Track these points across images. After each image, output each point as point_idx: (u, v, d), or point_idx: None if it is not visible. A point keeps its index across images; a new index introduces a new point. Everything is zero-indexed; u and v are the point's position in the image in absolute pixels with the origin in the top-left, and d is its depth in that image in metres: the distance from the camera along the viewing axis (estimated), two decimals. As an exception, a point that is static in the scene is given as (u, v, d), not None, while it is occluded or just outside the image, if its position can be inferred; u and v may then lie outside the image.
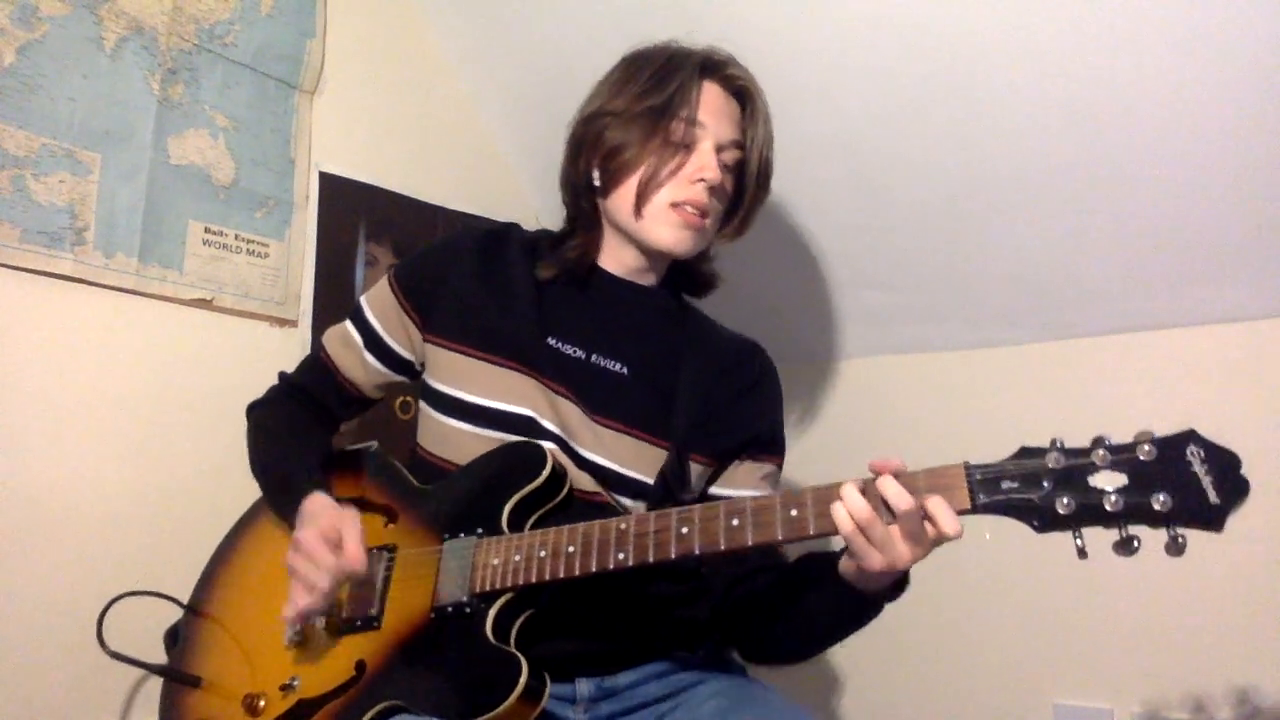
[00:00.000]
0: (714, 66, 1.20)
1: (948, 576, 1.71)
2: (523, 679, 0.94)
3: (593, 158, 1.19)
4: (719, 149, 1.17)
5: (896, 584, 0.96)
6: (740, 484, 1.22)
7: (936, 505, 0.84)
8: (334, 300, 1.74)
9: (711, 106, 1.18)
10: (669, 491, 1.15)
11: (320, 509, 1.09)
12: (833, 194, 1.72)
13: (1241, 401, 1.46)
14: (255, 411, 1.31)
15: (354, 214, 1.81)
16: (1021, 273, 1.63)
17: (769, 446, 1.25)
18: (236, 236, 1.63)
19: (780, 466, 1.27)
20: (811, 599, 1.04)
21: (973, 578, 1.71)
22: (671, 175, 1.16)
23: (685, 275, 1.29)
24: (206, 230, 1.59)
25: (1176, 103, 1.31)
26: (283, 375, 1.33)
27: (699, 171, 1.15)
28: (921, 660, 1.80)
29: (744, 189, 1.23)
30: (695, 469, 1.18)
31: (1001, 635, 1.68)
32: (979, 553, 1.65)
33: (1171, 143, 1.35)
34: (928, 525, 0.86)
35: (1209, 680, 1.45)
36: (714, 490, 1.22)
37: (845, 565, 0.95)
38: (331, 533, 1.04)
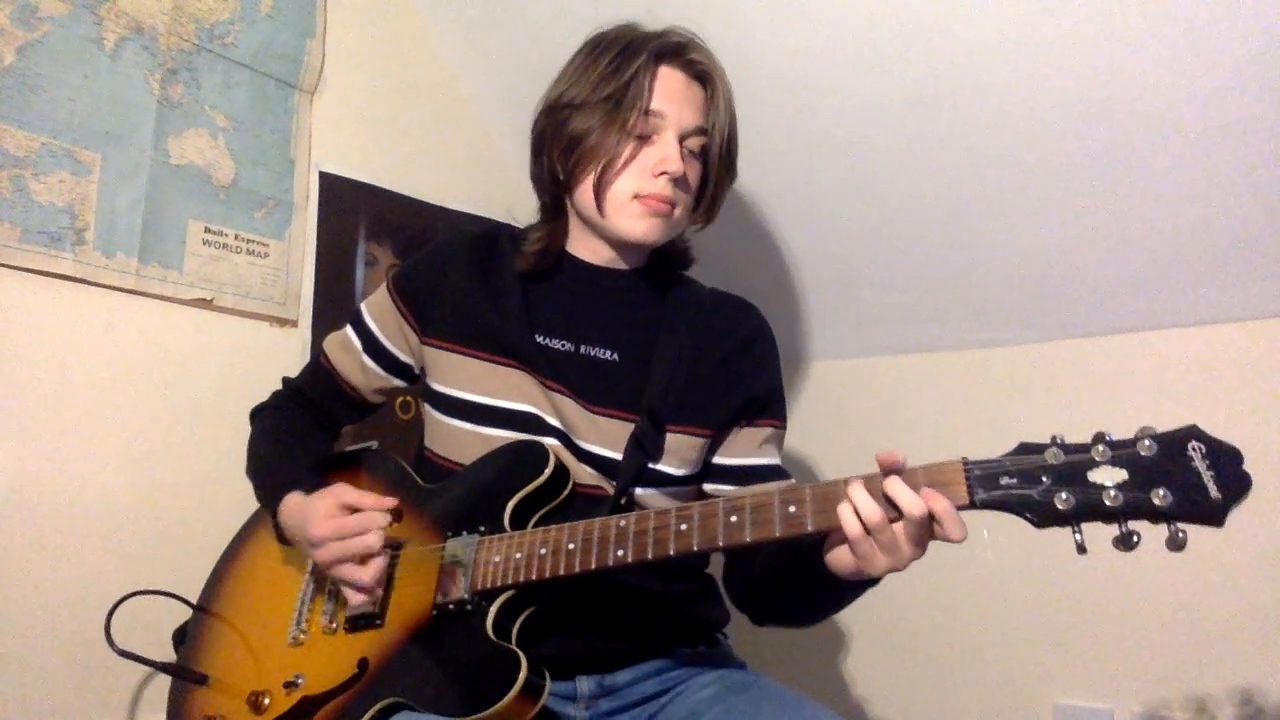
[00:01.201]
0: (672, 51, 1.16)
1: (948, 577, 1.72)
2: (522, 675, 0.94)
3: (554, 151, 1.17)
4: (682, 137, 1.14)
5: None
6: (739, 452, 1.21)
7: (945, 511, 0.83)
8: (334, 300, 1.74)
9: (671, 93, 1.14)
10: (644, 460, 1.13)
11: (298, 507, 1.10)
12: (833, 194, 1.72)
13: (1241, 401, 1.46)
14: (257, 417, 1.32)
15: (354, 214, 1.81)
16: (1021, 273, 1.63)
17: (766, 409, 1.22)
18: (236, 236, 1.63)
19: (781, 429, 1.24)
20: (798, 584, 1.05)
21: (974, 578, 1.71)
22: (632, 168, 1.13)
23: (661, 255, 1.27)
24: (206, 230, 1.59)
25: (1177, 102, 1.31)
26: (286, 380, 1.34)
27: (660, 164, 1.12)
28: (922, 660, 1.80)
29: (709, 174, 1.19)
30: (678, 440, 1.17)
31: (1002, 635, 1.68)
32: (980, 553, 1.65)
33: (1172, 142, 1.35)
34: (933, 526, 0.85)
35: (1209, 680, 1.45)
36: (717, 460, 1.21)
37: (832, 560, 0.94)
38: (333, 510, 1.05)
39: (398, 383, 1.30)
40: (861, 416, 1.95)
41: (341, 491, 1.08)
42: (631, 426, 1.14)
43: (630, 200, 1.14)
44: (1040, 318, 1.68)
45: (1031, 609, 1.64)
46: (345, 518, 1.04)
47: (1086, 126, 1.39)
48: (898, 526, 0.85)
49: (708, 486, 1.22)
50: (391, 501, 1.07)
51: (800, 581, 1.04)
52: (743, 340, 1.24)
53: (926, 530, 0.85)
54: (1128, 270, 1.53)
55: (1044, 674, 1.62)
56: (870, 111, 1.57)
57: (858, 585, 0.97)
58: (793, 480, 1.22)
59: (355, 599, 1.06)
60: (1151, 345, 1.57)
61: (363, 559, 1.03)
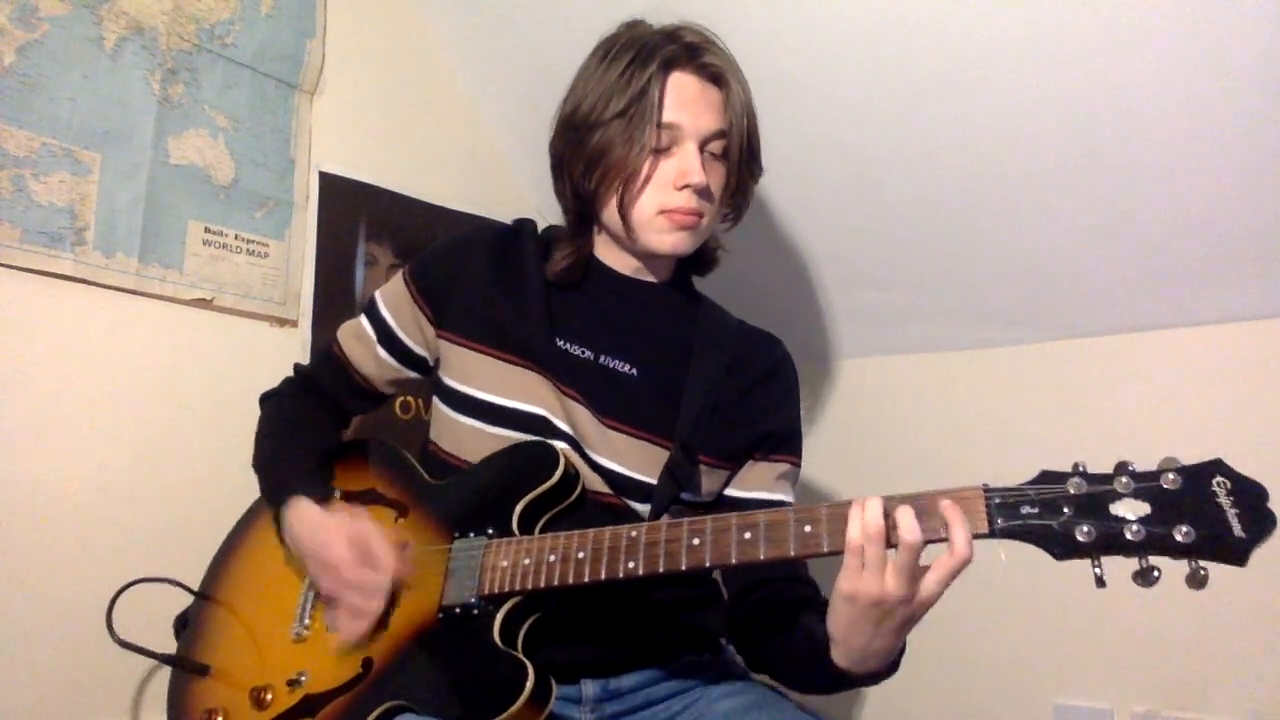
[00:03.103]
0: (684, 56, 1.12)
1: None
2: (529, 685, 0.94)
3: (575, 171, 1.15)
4: (703, 144, 1.11)
5: (866, 675, 0.96)
6: (754, 486, 1.19)
7: (956, 516, 0.83)
8: (334, 300, 1.73)
9: (687, 101, 1.11)
10: (677, 490, 1.12)
11: (308, 517, 1.08)
12: (833, 194, 1.72)
13: (1242, 401, 1.46)
14: (267, 403, 1.31)
15: (354, 214, 1.81)
16: (1022, 273, 1.63)
17: (782, 445, 1.21)
18: (236, 236, 1.62)
19: (797, 466, 1.23)
20: (797, 650, 1.03)
21: (973, 578, 1.70)
22: (655, 183, 1.11)
23: (689, 259, 1.24)
24: (206, 230, 1.58)
25: (1177, 102, 1.31)
26: (297, 367, 1.33)
27: (682, 177, 1.10)
28: (922, 660, 1.79)
29: (733, 174, 1.16)
30: (707, 471, 1.16)
31: (1002, 635, 1.68)
32: (979, 553, 1.65)
33: (1172, 142, 1.35)
34: (943, 547, 0.83)
35: (1209, 680, 1.45)
36: (729, 493, 1.20)
37: (835, 650, 0.93)
38: (357, 547, 1.04)
39: (411, 374, 1.28)
40: (861, 416, 1.95)
41: (366, 533, 1.05)
42: (641, 444, 1.13)
43: (656, 216, 1.12)
44: (1040, 318, 1.68)
45: (1032, 608, 1.64)
46: (364, 568, 1.03)
47: (1087, 126, 1.39)
48: (889, 551, 0.85)
49: None
50: (404, 574, 1.04)
51: (801, 648, 1.01)
52: (765, 372, 1.23)
53: (914, 562, 0.84)
54: (1128, 270, 1.53)
55: (1044, 674, 1.62)
56: (870, 112, 1.57)
57: (842, 677, 0.95)
58: None
59: (347, 629, 1.04)
60: (1151, 345, 1.57)
61: (369, 591, 1.02)
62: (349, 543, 1.04)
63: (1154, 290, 1.53)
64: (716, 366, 1.19)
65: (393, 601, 1.07)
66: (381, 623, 1.06)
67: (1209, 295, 1.49)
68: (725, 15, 1.54)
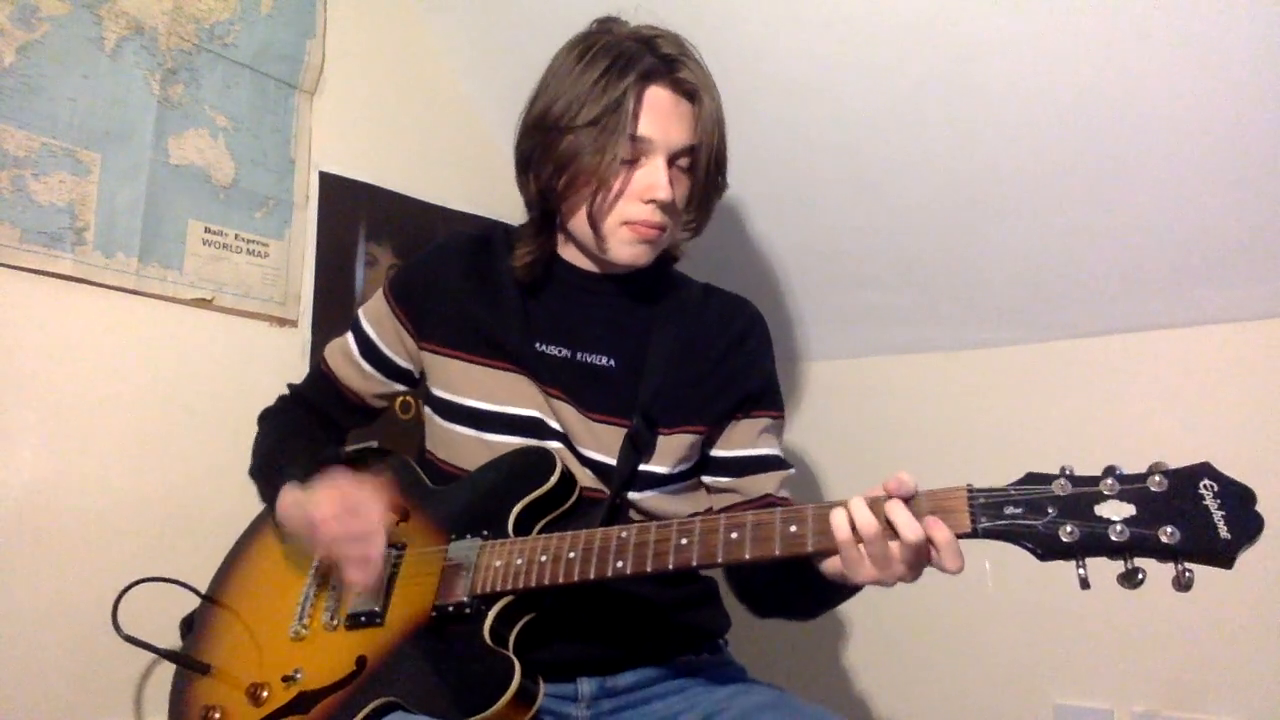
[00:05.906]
0: (660, 70, 1.12)
1: (948, 577, 1.71)
2: (515, 682, 0.94)
3: (543, 171, 1.15)
4: (672, 159, 1.12)
5: None
6: (737, 444, 1.21)
7: (945, 542, 0.83)
8: (334, 300, 1.74)
9: (660, 114, 1.11)
10: (637, 460, 1.13)
11: (294, 498, 1.10)
12: (832, 194, 1.72)
13: (1241, 402, 1.45)
14: (264, 421, 1.33)
15: (354, 214, 1.81)
16: (1021, 273, 1.63)
17: (761, 400, 1.22)
18: (236, 236, 1.63)
19: (779, 418, 1.24)
20: (792, 587, 1.05)
21: (973, 578, 1.71)
22: (622, 195, 1.12)
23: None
24: (206, 230, 1.59)
25: (1177, 102, 1.31)
26: (291, 387, 1.36)
27: (649, 191, 1.11)
28: (922, 660, 1.80)
29: (697, 189, 1.16)
30: (683, 440, 1.17)
31: (1002, 635, 1.68)
32: (979, 553, 1.65)
33: (1172, 142, 1.35)
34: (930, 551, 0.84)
35: (1209, 680, 1.45)
36: (715, 453, 1.21)
37: (827, 566, 0.94)
38: (337, 501, 1.05)
39: (398, 387, 1.30)
40: (860, 417, 1.95)
41: (342, 480, 1.07)
42: (623, 432, 1.14)
43: (620, 227, 1.13)
44: (1040, 318, 1.68)
45: (1032, 609, 1.64)
46: (350, 516, 1.04)
47: (1086, 126, 1.39)
48: (894, 545, 0.85)
49: (706, 479, 1.22)
50: (392, 511, 1.07)
51: (793, 584, 1.04)
52: (736, 336, 1.24)
53: (923, 555, 0.84)
54: (1127, 270, 1.52)
55: (1044, 674, 1.62)
56: (869, 112, 1.57)
57: (844, 589, 0.97)
58: (792, 470, 1.22)
59: (355, 578, 1.04)
60: (1151, 345, 1.57)
61: (363, 538, 1.03)
62: (328, 499, 1.05)
63: (1154, 290, 1.52)
64: (678, 336, 1.20)
65: (388, 601, 1.08)
66: (377, 621, 1.07)
67: (1209, 295, 1.48)
68: (723, 16, 1.54)
